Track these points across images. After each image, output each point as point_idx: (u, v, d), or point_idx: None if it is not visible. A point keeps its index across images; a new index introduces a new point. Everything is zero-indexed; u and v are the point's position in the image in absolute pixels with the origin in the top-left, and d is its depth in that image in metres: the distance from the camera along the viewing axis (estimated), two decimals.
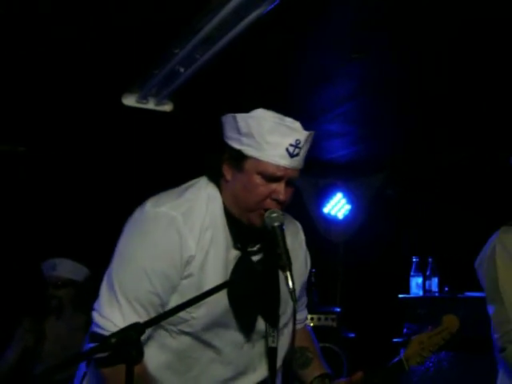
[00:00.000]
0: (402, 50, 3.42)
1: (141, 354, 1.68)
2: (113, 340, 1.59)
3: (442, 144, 5.22)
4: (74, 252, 4.26)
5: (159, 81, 3.70)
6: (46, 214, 5.29)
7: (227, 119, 2.06)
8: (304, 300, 2.50)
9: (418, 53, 3.44)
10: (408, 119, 4.69)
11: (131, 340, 1.60)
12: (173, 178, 2.30)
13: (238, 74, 3.80)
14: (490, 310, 2.75)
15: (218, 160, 2.10)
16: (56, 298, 4.12)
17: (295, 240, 2.32)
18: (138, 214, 2.09)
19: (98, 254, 2.43)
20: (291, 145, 1.98)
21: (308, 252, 2.42)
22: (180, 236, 2.00)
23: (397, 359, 2.37)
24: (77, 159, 5.38)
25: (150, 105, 4.10)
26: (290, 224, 2.31)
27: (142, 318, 1.94)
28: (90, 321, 2.07)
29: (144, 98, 4.02)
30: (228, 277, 2.07)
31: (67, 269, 4.16)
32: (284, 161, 1.99)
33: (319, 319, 5.40)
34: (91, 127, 4.84)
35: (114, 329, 1.88)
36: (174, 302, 2.04)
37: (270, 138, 1.96)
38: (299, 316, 2.41)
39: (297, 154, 2.01)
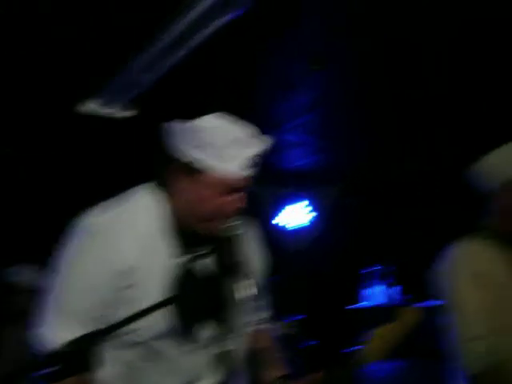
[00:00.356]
0: (361, 64, 3.47)
1: (94, 365, 1.64)
2: (65, 351, 1.55)
3: (401, 155, 5.29)
4: (33, 258, 4.19)
5: (121, 86, 3.68)
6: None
7: (179, 126, 1.97)
8: (265, 299, 2.46)
9: (376, 66, 3.49)
10: (367, 130, 4.74)
11: (85, 351, 1.58)
12: (134, 183, 2.26)
13: (201, 80, 3.80)
14: (448, 319, 2.78)
15: (168, 167, 2.03)
16: (16, 304, 4.05)
17: (250, 241, 2.24)
18: (76, 226, 2.01)
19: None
20: (251, 156, 1.95)
21: (265, 252, 2.37)
22: (118, 246, 1.94)
23: (356, 355, 2.33)
24: (35, 165, 5.30)
25: (113, 111, 4.07)
26: (245, 225, 2.27)
27: (85, 331, 1.83)
28: None
29: (106, 104, 3.99)
30: (174, 284, 2.02)
31: (28, 275, 4.10)
32: (243, 172, 1.95)
33: (279, 327, 5.41)
34: (50, 133, 4.77)
35: (56, 344, 1.80)
36: (122, 312, 1.93)
37: (230, 149, 1.92)
38: (260, 316, 2.37)
39: (256, 164, 2.00)
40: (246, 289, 1.89)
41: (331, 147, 5.28)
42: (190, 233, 2.05)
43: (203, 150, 1.94)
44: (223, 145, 1.92)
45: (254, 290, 1.90)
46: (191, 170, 1.97)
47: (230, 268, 2.00)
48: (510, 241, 2.81)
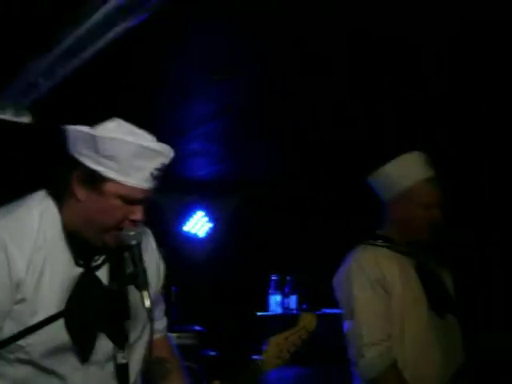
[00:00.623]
0: (264, 73, 3.50)
1: None
2: None
3: (298, 165, 5.37)
4: None
5: (18, 91, 3.57)
6: None
7: (80, 134, 1.91)
8: (161, 308, 2.42)
9: (279, 75, 3.54)
10: (267, 141, 4.79)
11: None
12: (29, 190, 2.17)
13: (99, 87, 3.73)
14: (346, 326, 2.84)
15: (65, 175, 1.97)
16: None
17: (145, 248, 2.17)
18: None
19: None
20: (156, 169, 1.93)
21: (160, 257, 2.34)
22: (7, 258, 1.86)
23: (254, 363, 2.33)
24: None
25: (8, 115, 3.93)
26: (141, 232, 2.24)
27: None
28: None
29: (2, 107, 3.85)
30: (69, 295, 1.95)
31: None
32: (147, 184, 1.93)
33: (179, 338, 5.37)
34: None
35: None
36: (7, 328, 1.89)
37: (135, 162, 1.88)
38: (157, 326, 2.31)
39: (159, 176, 1.98)
40: (141, 300, 1.85)
41: (233, 157, 5.31)
42: (83, 243, 2.00)
43: (104, 161, 1.89)
44: (124, 158, 1.88)
45: (150, 301, 1.85)
46: (91, 180, 1.92)
47: (126, 279, 1.96)
48: (405, 250, 2.91)
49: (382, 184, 2.93)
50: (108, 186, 1.91)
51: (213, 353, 5.74)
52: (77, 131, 1.93)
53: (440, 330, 2.81)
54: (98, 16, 2.67)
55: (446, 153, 3.39)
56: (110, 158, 1.88)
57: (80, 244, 2.00)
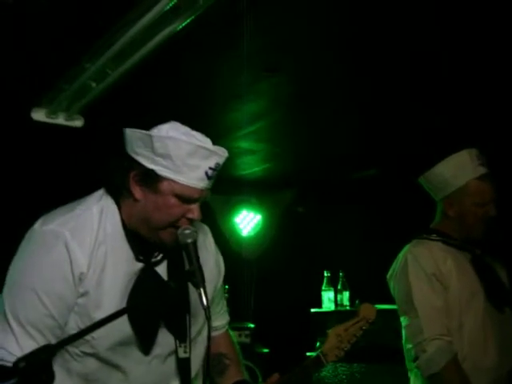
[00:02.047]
0: (312, 70, 3.49)
1: (51, 378, 1.62)
2: (21, 364, 1.52)
3: (351, 162, 5.34)
4: None
5: (70, 95, 3.63)
6: None
7: (137, 135, 1.98)
8: (222, 305, 2.44)
9: (327, 73, 3.52)
10: (318, 137, 4.77)
11: (41, 363, 1.55)
12: (82, 194, 2.23)
13: (150, 89, 3.77)
14: (404, 321, 2.82)
15: (122, 175, 2.03)
16: None
17: (203, 245, 2.25)
18: (27, 235, 2.01)
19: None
20: (210, 168, 1.96)
21: (219, 254, 2.38)
22: (68, 252, 1.92)
23: (314, 355, 2.33)
24: None
25: (60, 120, 4.00)
26: (198, 230, 2.24)
27: (39, 343, 1.87)
28: None
29: (54, 112, 3.92)
30: (129, 291, 2.01)
31: None
32: (202, 183, 1.97)
33: None
34: None
35: (10, 358, 1.81)
36: (73, 322, 1.96)
37: (190, 161, 1.93)
38: (217, 322, 2.37)
39: (214, 176, 2.00)
40: (200, 297, 1.87)
41: (282, 155, 5.30)
42: (142, 240, 2.04)
43: (159, 160, 1.95)
44: (179, 157, 1.93)
45: (206, 299, 1.87)
46: (147, 179, 1.98)
47: (183, 277, 1.98)
48: (460, 244, 2.88)
49: (433, 184, 2.91)
50: (163, 185, 1.96)
51: (265, 350, 5.75)
52: (134, 132, 1.99)
53: (497, 323, 2.79)
54: (148, 18, 2.69)
55: (499, 149, 3.33)
56: (165, 156, 1.93)
57: (139, 241, 2.05)
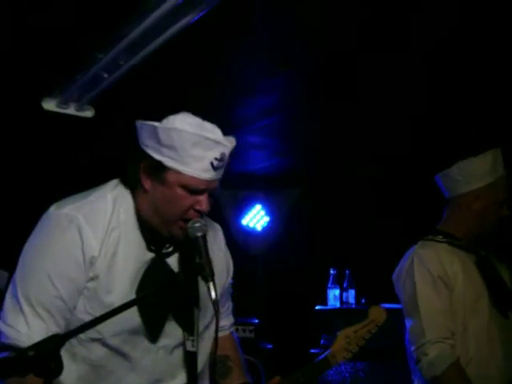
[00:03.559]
0: (324, 66, 3.48)
1: (60, 367, 1.62)
2: (30, 353, 1.53)
3: (359, 159, 5.33)
4: None
5: (81, 85, 3.62)
6: None
7: (145, 127, 1.99)
8: (228, 305, 2.45)
9: (339, 72, 3.52)
10: (327, 134, 4.77)
11: (50, 353, 1.55)
12: (92, 184, 2.24)
13: (162, 81, 3.77)
14: (408, 323, 2.81)
15: (135, 167, 2.05)
16: None
17: (214, 242, 2.27)
18: (42, 218, 2.04)
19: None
20: (216, 158, 1.96)
21: (229, 253, 2.39)
22: (81, 236, 1.95)
23: (323, 355, 2.32)
24: None
25: (71, 110, 4.00)
26: (209, 227, 2.25)
27: (47, 324, 1.92)
28: None
29: (65, 102, 3.92)
30: (139, 278, 2.03)
31: (1, 279, 3.97)
32: (207, 174, 1.96)
33: (236, 330, 5.39)
34: (9, 130, 4.68)
35: (18, 336, 1.87)
36: (81, 305, 1.98)
37: (194, 151, 1.93)
38: (222, 323, 2.36)
39: (220, 167, 1.99)
40: (209, 291, 1.87)
41: (292, 150, 5.30)
42: (153, 231, 2.05)
43: (165, 151, 1.95)
44: (183, 147, 1.93)
45: (217, 293, 1.88)
46: (155, 170, 1.99)
47: (192, 270, 1.98)
48: (466, 245, 2.87)
49: (464, 176, 2.90)
50: (170, 176, 1.97)
51: (270, 346, 5.75)
52: (142, 124, 2.00)
53: (502, 327, 2.78)
54: (161, 10, 2.69)
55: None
56: (170, 147, 1.94)
57: (151, 231, 2.06)
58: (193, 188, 1.97)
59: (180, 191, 1.97)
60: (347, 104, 4.06)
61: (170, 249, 2.11)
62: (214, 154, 1.95)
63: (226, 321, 2.44)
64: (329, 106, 4.14)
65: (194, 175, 1.95)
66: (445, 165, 2.94)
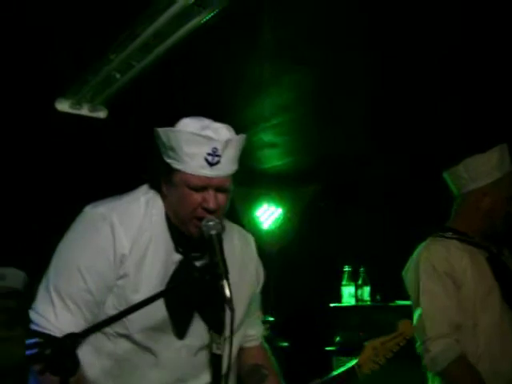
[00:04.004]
0: (337, 65, 3.48)
1: (76, 365, 1.65)
2: (47, 351, 1.55)
3: (374, 157, 5.31)
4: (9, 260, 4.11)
5: (94, 86, 3.64)
6: None
7: (156, 133, 2.07)
8: (258, 314, 2.46)
9: (353, 68, 3.51)
10: (341, 133, 4.75)
11: (66, 351, 1.57)
12: (105, 184, 2.28)
13: (174, 81, 3.78)
14: (414, 318, 2.82)
15: (156, 172, 2.13)
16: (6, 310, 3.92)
17: (245, 251, 2.33)
18: (77, 217, 2.12)
19: (31, 264, 2.37)
20: (209, 154, 1.99)
21: (261, 264, 2.41)
22: (113, 234, 2.01)
23: (349, 366, 2.32)
24: (8, 165, 5.22)
25: (84, 111, 4.02)
26: (240, 236, 2.36)
27: (75, 316, 1.99)
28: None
29: (78, 103, 3.94)
30: (167, 279, 2.07)
31: (17, 279, 3.98)
32: (204, 170, 2.00)
33: None
34: (23, 132, 4.70)
35: (47, 325, 1.96)
36: (110, 301, 2.04)
37: (187, 149, 1.98)
38: (252, 331, 2.39)
39: (217, 162, 2.01)
40: (223, 289, 1.88)
41: (304, 148, 5.29)
42: (181, 233, 2.11)
43: (171, 153, 2.03)
44: (179, 146, 1.99)
45: (230, 291, 1.88)
46: (167, 173, 2.06)
47: (218, 273, 1.98)
48: (476, 242, 2.86)
49: (471, 174, 2.89)
50: (176, 177, 2.04)
51: (285, 344, 5.75)
52: (155, 130, 2.07)
53: None
54: (173, 10, 2.70)
55: None
56: (171, 148, 2.02)
57: (178, 233, 2.12)
58: (194, 186, 2.01)
59: (186, 190, 2.02)
60: (360, 100, 4.04)
61: (198, 254, 2.14)
62: (206, 149, 1.99)
63: (256, 330, 2.45)
64: (342, 102, 4.12)
65: (192, 172, 2.00)
66: (456, 162, 2.93)
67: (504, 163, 2.84)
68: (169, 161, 2.03)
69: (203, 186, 2.01)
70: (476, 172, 2.86)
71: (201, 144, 1.98)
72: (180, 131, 1.99)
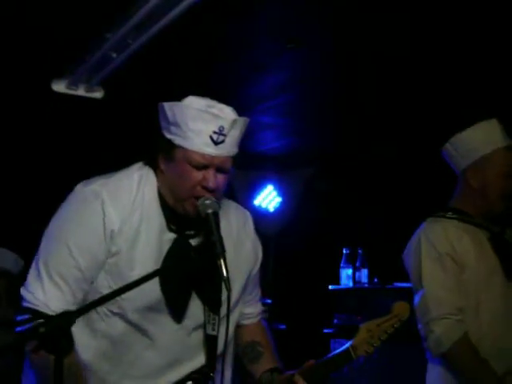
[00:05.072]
0: (335, 44, 3.45)
1: (71, 345, 1.64)
2: (41, 329, 1.53)
3: (372, 138, 5.30)
4: (5, 242, 4.10)
5: (90, 66, 3.61)
6: None
7: (159, 108, 2.04)
8: (256, 293, 2.43)
9: (352, 49, 3.48)
10: (340, 114, 4.74)
11: (61, 330, 1.55)
12: (102, 164, 2.27)
13: (171, 61, 3.76)
14: (415, 300, 2.80)
15: (153, 149, 2.10)
16: None
17: (242, 229, 2.30)
18: (69, 195, 2.11)
19: (30, 245, 2.36)
20: (215, 132, 1.96)
21: (259, 242, 2.39)
22: (103, 210, 2.00)
23: (344, 348, 2.32)
24: (4, 146, 5.21)
25: (80, 91, 3.99)
26: (237, 213, 2.33)
27: (63, 292, 1.98)
28: None
29: (74, 84, 3.91)
30: (162, 257, 2.05)
31: (7, 259, 3.98)
32: (209, 149, 1.98)
33: None
34: (19, 113, 4.69)
35: (36, 301, 1.95)
36: (104, 280, 2.03)
37: (193, 125, 1.95)
38: (249, 310, 2.38)
39: (222, 141, 1.99)
40: (220, 268, 1.88)
41: (304, 130, 5.27)
42: (173, 211, 2.09)
43: (173, 129, 2.00)
44: (184, 122, 1.96)
45: (226, 270, 1.88)
46: (167, 149, 2.03)
47: (215, 253, 1.97)
48: (477, 222, 2.84)
49: (459, 152, 2.85)
50: (178, 153, 2.01)
51: (283, 326, 5.76)
52: (159, 105, 2.05)
53: None
54: None
55: None
56: (175, 124, 1.99)
57: (171, 211, 2.09)
58: (196, 163, 1.99)
59: (187, 167, 1.99)
60: (360, 82, 4.02)
61: (192, 232, 2.12)
62: (212, 127, 1.96)
63: (254, 308, 2.43)
64: (341, 84, 4.10)
65: (196, 150, 1.97)
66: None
67: (492, 138, 2.77)
68: (171, 137, 2.00)
69: (205, 164, 1.99)
70: (463, 149, 2.82)
71: (208, 121, 1.95)
72: (187, 106, 1.97)
